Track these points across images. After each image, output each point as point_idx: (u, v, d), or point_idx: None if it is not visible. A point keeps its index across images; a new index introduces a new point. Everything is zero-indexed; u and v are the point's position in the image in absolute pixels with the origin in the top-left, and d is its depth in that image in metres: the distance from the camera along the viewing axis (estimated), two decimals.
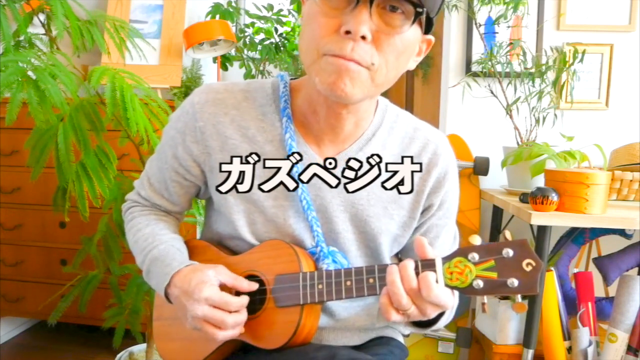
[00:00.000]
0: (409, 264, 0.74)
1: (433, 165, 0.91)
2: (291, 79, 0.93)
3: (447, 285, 0.74)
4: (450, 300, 0.74)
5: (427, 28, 0.81)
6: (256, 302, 0.86)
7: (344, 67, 0.75)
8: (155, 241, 0.93)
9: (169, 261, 0.89)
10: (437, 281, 0.73)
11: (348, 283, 0.81)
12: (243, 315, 0.83)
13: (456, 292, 0.75)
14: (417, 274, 0.74)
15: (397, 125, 0.93)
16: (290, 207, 0.89)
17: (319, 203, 0.89)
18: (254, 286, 0.86)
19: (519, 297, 0.76)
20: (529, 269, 0.72)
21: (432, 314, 0.75)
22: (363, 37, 0.74)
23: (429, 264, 0.75)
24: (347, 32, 0.73)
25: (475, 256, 0.73)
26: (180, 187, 0.97)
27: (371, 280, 0.80)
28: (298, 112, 0.90)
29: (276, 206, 0.89)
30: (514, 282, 0.72)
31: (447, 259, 0.75)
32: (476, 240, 0.75)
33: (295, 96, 0.91)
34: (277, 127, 0.89)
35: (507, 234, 0.77)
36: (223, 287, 0.84)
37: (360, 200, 0.90)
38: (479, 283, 0.73)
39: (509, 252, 0.72)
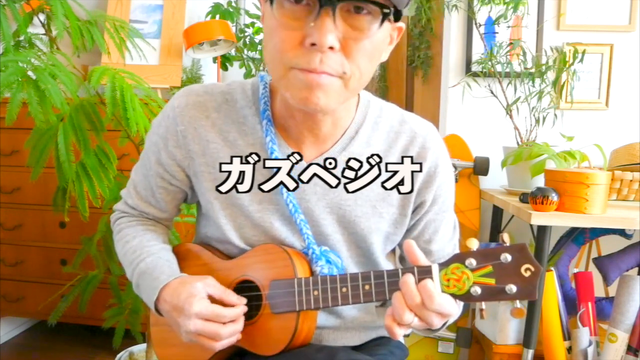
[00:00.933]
0: (410, 279, 0.73)
1: (422, 159, 0.88)
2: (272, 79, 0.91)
3: (443, 292, 0.72)
4: (454, 308, 0.73)
5: (397, 17, 0.74)
6: (252, 307, 0.85)
7: (314, 81, 0.72)
8: (142, 254, 0.91)
9: (157, 274, 0.87)
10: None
11: (344, 290, 0.79)
12: (239, 325, 0.82)
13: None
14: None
15: (381, 119, 0.90)
16: (275, 211, 0.88)
17: (305, 206, 0.87)
18: (243, 301, 0.84)
19: (517, 302, 0.75)
20: (527, 274, 0.70)
21: (437, 323, 0.73)
22: (331, 47, 0.70)
23: (425, 271, 0.73)
24: (313, 44, 0.69)
25: (472, 262, 0.72)
26: (167, 193, 0.95)
27: (367, 287, 0.78)
28: (278, 114, 0.87)
29: (261, 210, 0.88)
30: (512, 288, 0.70)
31: (443, 266, 0.73)
32: (473, 244, 0.73)
33: (275, 97, 0.88)
34: (258, 130, 0.87)
35: (505, 237, 0.74)
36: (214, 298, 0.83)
37: (347, 201, 0.88)
38: (477, 290, 0.71)
39: (507, 257, 0.71)
